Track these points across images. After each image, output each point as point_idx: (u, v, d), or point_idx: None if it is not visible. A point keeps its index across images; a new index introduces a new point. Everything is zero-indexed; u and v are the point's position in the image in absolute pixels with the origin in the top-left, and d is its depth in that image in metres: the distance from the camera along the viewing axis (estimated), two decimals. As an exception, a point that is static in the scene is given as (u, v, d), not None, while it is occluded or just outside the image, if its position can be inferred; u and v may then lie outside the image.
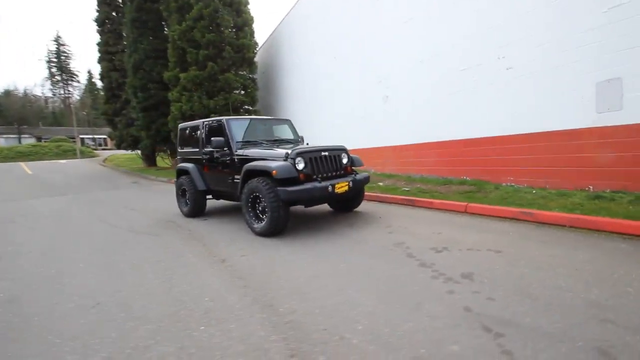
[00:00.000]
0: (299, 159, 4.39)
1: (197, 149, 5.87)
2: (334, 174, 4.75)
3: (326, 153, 4.74)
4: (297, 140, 5.95)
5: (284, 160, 4.38)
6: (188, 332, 2.14)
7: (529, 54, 5.68)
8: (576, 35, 5.04)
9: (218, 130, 5.45)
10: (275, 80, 15.92)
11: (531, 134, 5.78)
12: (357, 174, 5.07)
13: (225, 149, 5.19)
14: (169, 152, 18.52)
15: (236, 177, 5.04)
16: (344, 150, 5.05)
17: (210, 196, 6.00)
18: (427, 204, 5.55)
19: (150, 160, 20.40)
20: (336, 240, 4.02)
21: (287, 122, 6.25)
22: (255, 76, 15.32)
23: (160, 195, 9.28)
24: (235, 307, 2.44)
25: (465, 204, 5.02)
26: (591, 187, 5.04)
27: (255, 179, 4.40)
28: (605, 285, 2.44)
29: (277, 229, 4.27)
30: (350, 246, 3.75)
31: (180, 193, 6.24)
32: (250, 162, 4.69)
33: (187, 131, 6.32)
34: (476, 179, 6.66)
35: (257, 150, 4.92)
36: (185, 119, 13.46)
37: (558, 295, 2.33)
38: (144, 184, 12.80)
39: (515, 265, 2.90)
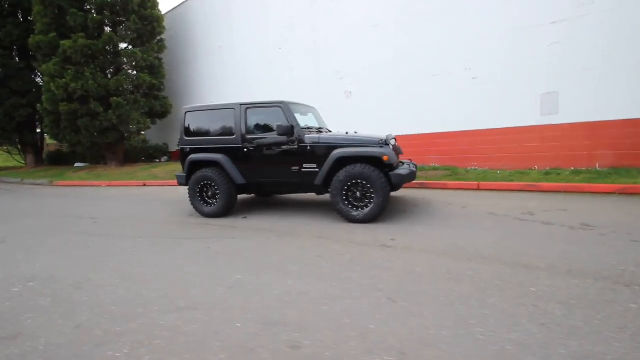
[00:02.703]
0: (391, 144, 4.55)
1: (232, 137, 4.98)
2: (400, 160, 5.09)
3: (395, 141, 5.03)
4: (324, 128, 5.87)
5: (380, 146, 4.45)
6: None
7: (490, 68, 7.48)
8: (527, 59, 7.05)
9: (269, 115, 4.84)
10: (189, 63, 13.98)
11: (491, 129, 7.64)
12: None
13: (288, 136, 4.67)
14: (19, 146, 13.36)
15: (305, 165, 4.67)
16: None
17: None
18: (442, 185, 6.58)
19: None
20: (462, 217, 4.43)
21: (313, 109, 6.03)
22: (161, 55, 13.08)
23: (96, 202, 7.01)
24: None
25: (478, 182, 6.30)
26: (536, 167, 7.19)
27: (359, 165, 4.28)
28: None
29: (381, 213, 4.32)
30: (477, 219, 4.25)
31: (199, 190, 5.12)
32: (334, 149, 4.48)
33: (204, 116, 5.23)
34: (445, 165, 8.19)
35: (332, 136, 4.71)
36: (71, 101, 10.31)
37: None
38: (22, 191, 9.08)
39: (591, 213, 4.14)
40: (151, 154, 15.69)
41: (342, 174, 4.33)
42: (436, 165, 8.36)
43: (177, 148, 5.49)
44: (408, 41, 8.47)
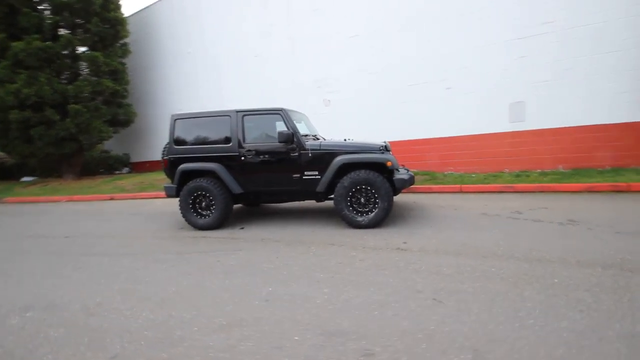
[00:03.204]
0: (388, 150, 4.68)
1: (228, 145, 4.80)
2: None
3: (388, 147, 5.18)
4: (317, 135, 5.89)
5: (381, 152, 4.56)
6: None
7: (464, 80, 8.00)
8: (497, 71, 7.64)
9: (267, 122, 4.76)
10: (154, 69, 13.30)
11: (465, 135, 8.14)
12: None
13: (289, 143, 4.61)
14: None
15: (307, 172, 4.64)
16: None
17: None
18: (427, 189, 6.86)
19: None
20: (459, 219, 4.61)
21: (304, 116, 6.02)
22: (124, 60, 12.34)
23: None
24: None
25: (460, 186, 6.65)
26: (507, 169, 7.77)
27: (363, 171, 4.33)
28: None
29: (385, 218, 4.40)
30: (473, 220, 4.46)
31: (192, 201, 4.85)
32: (336, 155, 4.51)
33: (196, 124, 5.01)
34: (423, 170, 8.56)
35: (333, 143, 4.73)
36: (23, 108, 9.38)
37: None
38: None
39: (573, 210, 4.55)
40: (111, 165, 14.61)
41: (346, 180, 4.36)
42: (416, 170, 8.69)
43: (164, 158, 5.16)
44: (387, 52, 8.80)
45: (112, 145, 14.80)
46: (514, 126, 7.63)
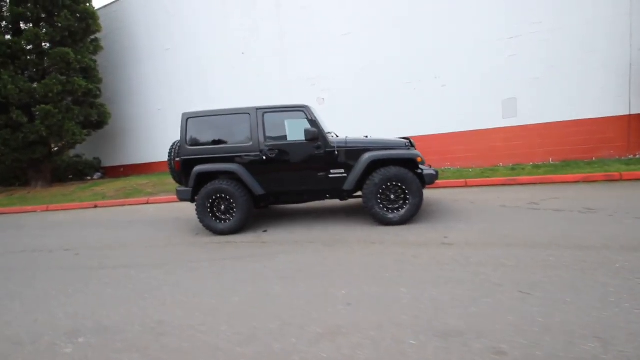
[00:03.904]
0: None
1: (248, 144, 4.56)
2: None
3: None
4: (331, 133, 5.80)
5: (407, 148, 4.56)
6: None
7: (457, 77, 8.25)
8: (489, 68, 7.95)
9: (288, 119, 4.58)
10: (128, 66, 12.48)
11: (461, 132, 8.40)
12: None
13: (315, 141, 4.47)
14: None
15: (333, 171, 4.53)
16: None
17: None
18: (433, 184, 6.96)
19: None
20: (482, 211, 4.68)
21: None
22: (95, 58, 11.48)
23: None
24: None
25: (465, 180, 6.84)
26: (501, 163, 8.11)
27: (393, 167, 4.30)
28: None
29: (416, 213, 4.40)
30: (497, 212, 4.56)
31: (209, 205, 4.56)
32: (362, 152, 4.45)
33: (211, 123, 4.71)
34: (420, 166, 8.72)
35: (359, 140, 4.65)
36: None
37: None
38: None
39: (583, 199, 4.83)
40: (80, 171, 13.51)
41: (377, 177, 4.30)
42: (412, 166, 8.84)
43: (175, 159, 4.81)
44: (380, 50, 8.87)
45: (82, 149, 13.70)
46: (507, 122, 7.98)
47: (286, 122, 4.64)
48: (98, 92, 11.17)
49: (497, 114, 8.06)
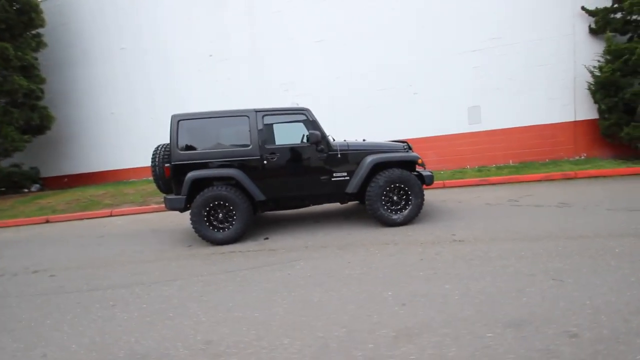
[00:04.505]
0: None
1: (247, 148, 4.35)
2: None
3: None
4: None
5: (406, 150, 4.71)
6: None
7: (430, 86, 8.75)
8: (456, 79, 8.56)
9: (286, 122, 4.48)
10: (75, 66, 11.26)
11: (431, 136, 8.89)
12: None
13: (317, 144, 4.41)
14: None
15: (335, 174, 4.51)
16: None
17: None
18: (413, 187, 7.26)
19: None
20: (472, 210, 4.93)
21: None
22: (37, 55, 10.23)
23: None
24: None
25: (443, 182, 7.24)
26: (468, 166, 8.73)
27: (397, 169, 4.39)
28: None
29: (418, 214, 4.54)
30: (484, 210, 4.86)
31: (206, 213, 4.25)
32: (365, 155, 4.50)
33: (205, 125, 4.42)
34: (395, 170, 9.05)
35: (360, 143, 4.72)
36: None
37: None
38: None
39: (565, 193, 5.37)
40: (15, 182, 11.78)
41: (381, 180, 4.37)
42: (387, 170, 9.14)
43: (166, 165, 4.41)
44: (354, 58, 9.09)
45: (20, 158, 12.00)
46: (472, 127, 8.64)
47: (287, 125, 4.53)
48: (40, 94, 9.91)
49: (464, 121, 8.69)
